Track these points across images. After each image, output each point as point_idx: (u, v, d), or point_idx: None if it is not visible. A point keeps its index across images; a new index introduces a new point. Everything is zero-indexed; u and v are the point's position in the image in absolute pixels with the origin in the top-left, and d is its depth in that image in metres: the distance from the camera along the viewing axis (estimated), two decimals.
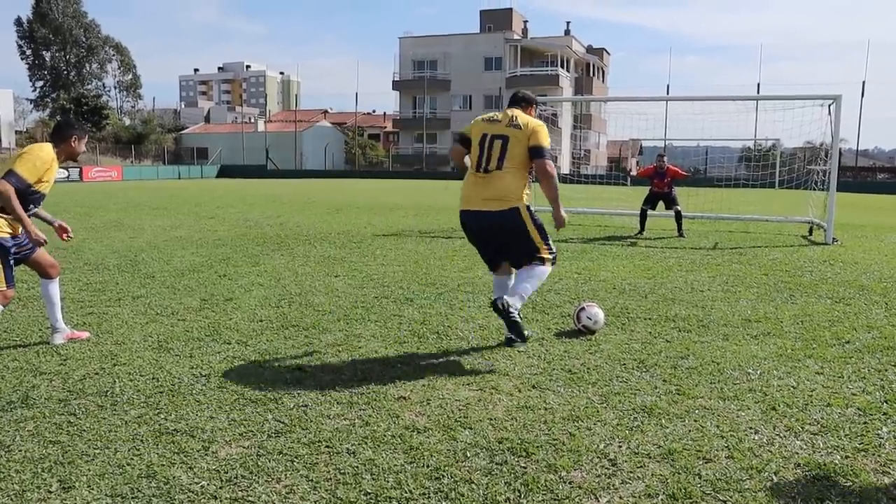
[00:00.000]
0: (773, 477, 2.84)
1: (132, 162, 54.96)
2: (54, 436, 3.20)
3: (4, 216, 4.32)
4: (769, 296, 6.66)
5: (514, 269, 4.74)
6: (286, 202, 20.17)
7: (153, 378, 4.03)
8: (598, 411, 3.56)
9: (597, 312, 5.15)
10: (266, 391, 3.81)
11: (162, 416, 3.44)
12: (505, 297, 4.41)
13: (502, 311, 4.37)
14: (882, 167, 53.11)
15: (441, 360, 4.46)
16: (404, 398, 3.74)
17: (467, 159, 4.71)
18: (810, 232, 12.48)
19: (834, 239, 11.21)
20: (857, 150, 50.83)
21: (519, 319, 4.44)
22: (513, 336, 4.52)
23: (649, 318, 5.63)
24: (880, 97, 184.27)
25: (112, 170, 44.82)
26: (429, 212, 16.89)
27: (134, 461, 2.94)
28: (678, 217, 12.13)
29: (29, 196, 4.36)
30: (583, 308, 5.20)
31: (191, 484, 2.75)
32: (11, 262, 4.42)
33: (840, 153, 11.19)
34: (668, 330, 5.27)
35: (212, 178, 48.87)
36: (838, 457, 3.04)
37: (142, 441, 3.14)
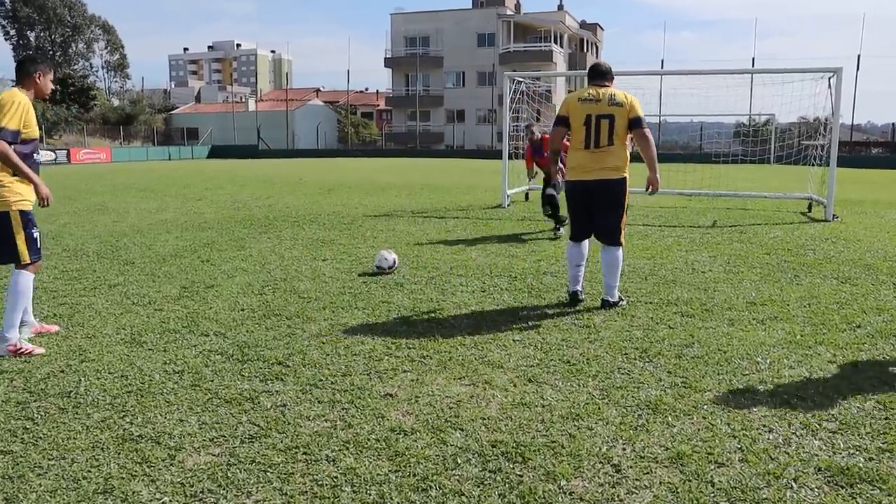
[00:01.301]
0: (793, 484, 2.59)
1: (121, 143, 54.17)
2: (6, 445, 2.93)
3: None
4: (773, 276, 6.41)
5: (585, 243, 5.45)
6: (277, 183, 19.78)
7: (122, 376, 3.76)
8: (599, 408, 3.30)
9: (385, 256, 6.49)
10: (242, 389, 3.55)
11: (127, 420, 3.18)
12: (608, 297, 5.23)
13: (611, 306, 5.18)
14: (876, 142, 52.61)
15: (431, 350, 4.19)
16: (391, 395, 3.48)
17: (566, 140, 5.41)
18: (809, 208, 12.22)
19: (834, 215, 10.96)
20: (852, 124, 50.43)
21: (625, 304, 5.27)
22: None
23: (650, 302, 5.37)
24: (873, 71, 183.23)
25: (100, 151, 44.08)
26: (422, 191, 16.56)
27: (91, 474, 2.67)
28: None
29: (24, 147, 4.16)
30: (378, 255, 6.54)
31: (150, 500, 2.48)
32: (34, 233, 4.28)
33: None
34: (671, 315, 5.01)
35: (202, 159, 48.20)
36: (861, 459, 2.79)
37: (102, 449, 2.88)
